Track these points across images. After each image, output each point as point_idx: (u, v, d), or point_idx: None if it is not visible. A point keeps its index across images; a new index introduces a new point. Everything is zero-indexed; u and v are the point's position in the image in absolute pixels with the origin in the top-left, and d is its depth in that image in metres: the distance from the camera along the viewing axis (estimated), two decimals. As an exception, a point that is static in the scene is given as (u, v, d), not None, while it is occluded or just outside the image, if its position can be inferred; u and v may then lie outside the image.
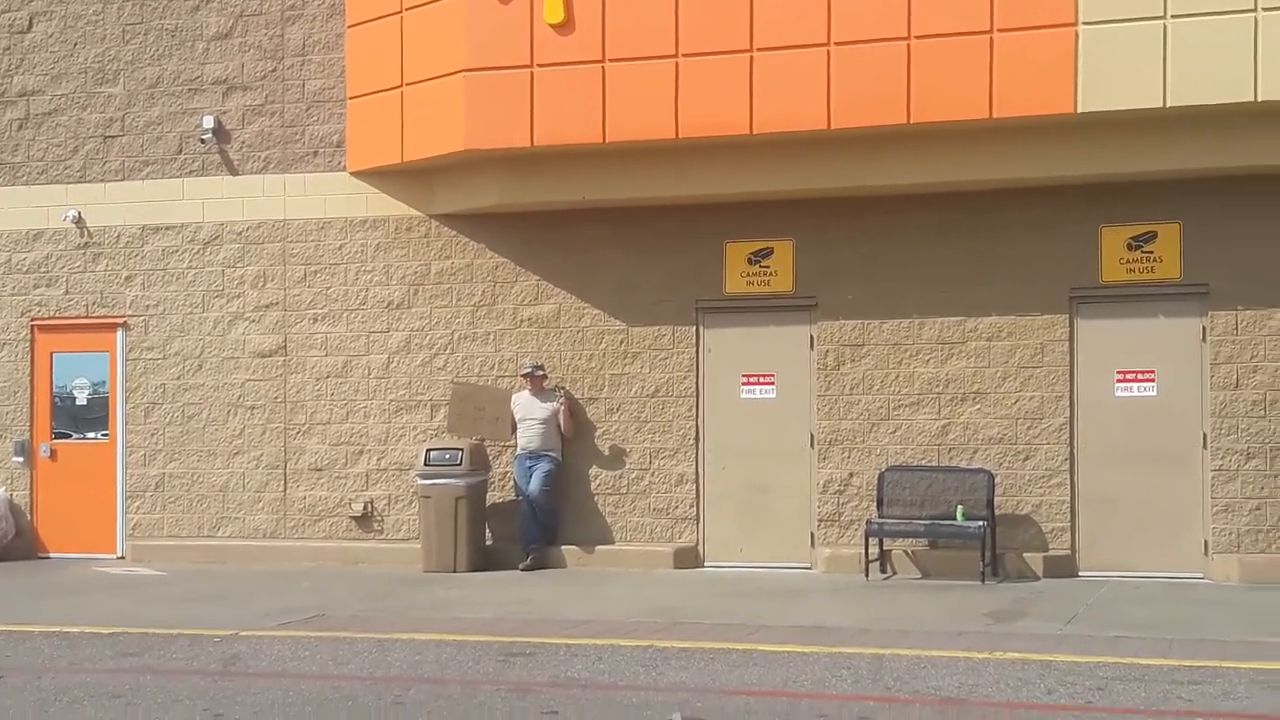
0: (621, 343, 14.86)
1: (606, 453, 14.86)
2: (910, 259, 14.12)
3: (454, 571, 14.43)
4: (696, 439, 14.64)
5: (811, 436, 14.39)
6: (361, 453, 15.51)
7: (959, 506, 13.59)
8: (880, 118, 13.04)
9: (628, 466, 14.78)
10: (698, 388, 14.65)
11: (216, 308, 15.92)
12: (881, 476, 13.96)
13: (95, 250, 16.28)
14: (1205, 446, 13.39)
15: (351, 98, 15.19)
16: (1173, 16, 12.38)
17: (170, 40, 16.08)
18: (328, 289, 15.66)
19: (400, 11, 14.61)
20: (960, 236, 13.97)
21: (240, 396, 15.82)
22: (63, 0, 16.41)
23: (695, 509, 14.64)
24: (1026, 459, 13.78)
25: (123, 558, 16.11)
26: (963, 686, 8.79)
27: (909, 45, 12.96)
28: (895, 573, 13.90)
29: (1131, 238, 13.54)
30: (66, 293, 16.38)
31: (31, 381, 16.50)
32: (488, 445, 15.03)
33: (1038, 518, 13.75)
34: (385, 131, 14.84)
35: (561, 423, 14.68)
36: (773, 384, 14.53)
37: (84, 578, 14.86)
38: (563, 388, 14.90)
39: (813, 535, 14.35)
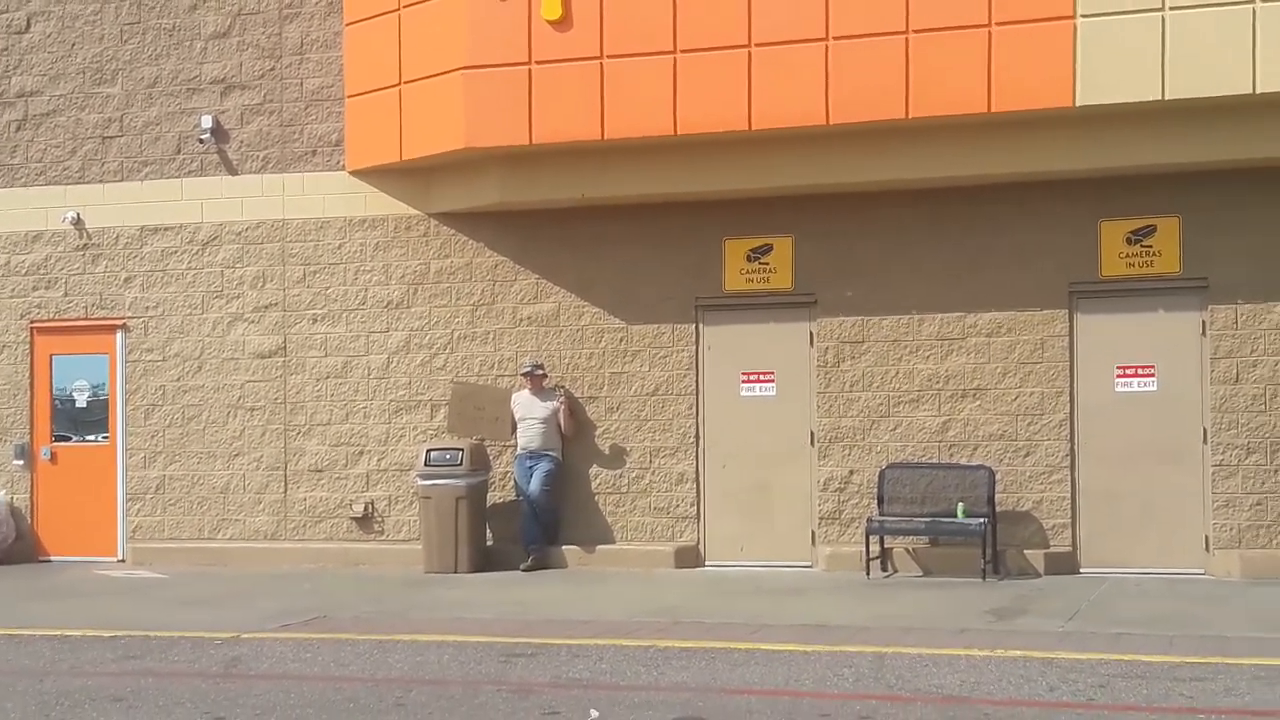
0: (621, 341, 14.85)
1: (607, 452, 14.85)
2: (910, 255, 14.11)
3: (455, 572, 14.43)
4: (697, 437, 14.64)
5: (812, 434, 14.38)
6: (362, 453, 15.51)
7: (960, 504, 13.58)
8: (879, 113, 13.04)
9: (628, 465, 14.78)
10: (698, 386, 14.65)
11: (216, 308, 15.93)
12: (882, 474, 13.95)
13: (94, 251, 16.29)
14: (1206, 442, 13.39)
15: (350, 96, 15.19)
16: (1171, 8, 12.39)
17: (168, 40, 16.09)
18: (327, 289, 15.65)
19: (398, 9, 14.61)
20: (959, 231, 13.97)
21: (240, 398, 15.82)
22: (60, 0, 16.39)
23: (696, 508, 14.63)
24: (1027, 455, 13.77)
25: (123, 561, 16.11)
26: (965, 684, 8.79)
27: (907, 39, 12.95)
28: (896, 570, 13.89)
29: (1131, 231, 13.55)
30: (66, 294, 16.39)
31: (31, 384, 16.50)
32: (488, 445, 15.02)
33: (1038, 514, 13.74)
34: (384, 130, 14.83)
35: (562, 422, 14.66)
36: (773, 381, 14.52)
37: (85, 581, 14.87)
38: (562, 387, 14.89)
39: (813, 533, 14.35)
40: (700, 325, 14.67)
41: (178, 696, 8.98)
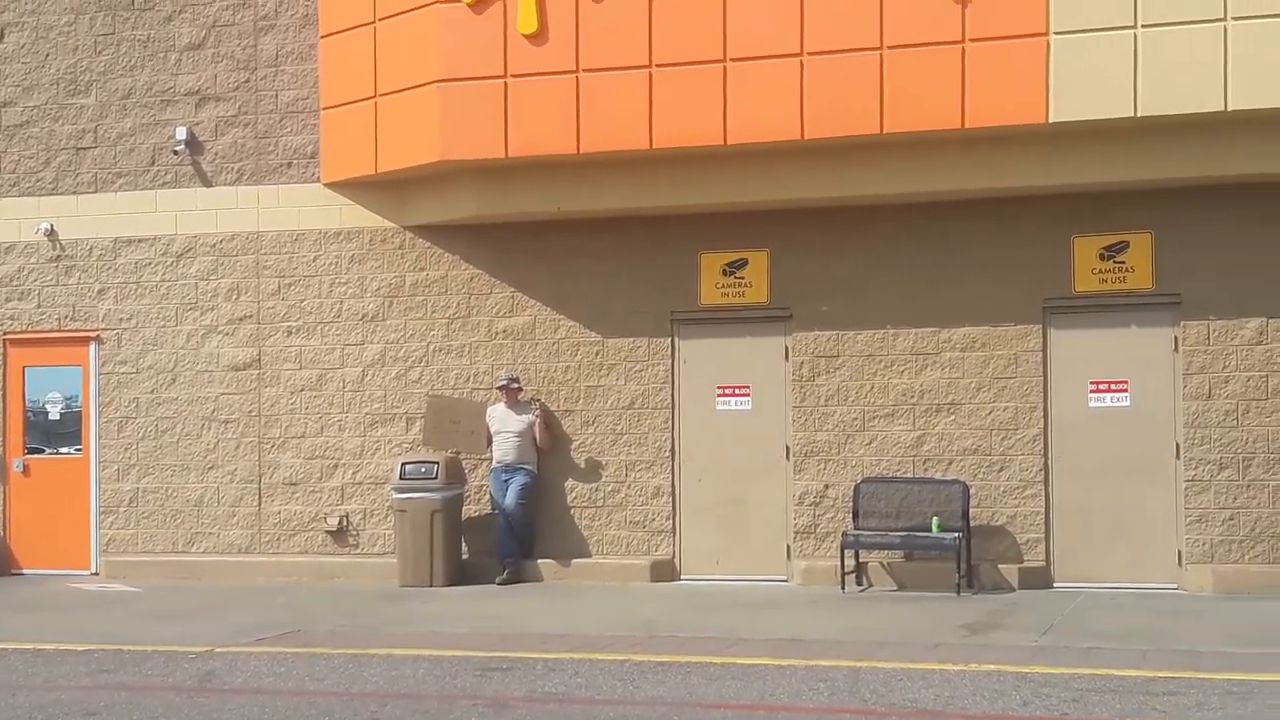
0: (597, 354, 14.88)
1: (582, 465, 14.88)
2: (885, 269, 14.17)
3: (430, 586, 14.42)
4: (672, 451, 14.67)
5: (787, 448, 14.42)
6: (336, 466, 15.49)
7: (934, 518, 13.64)
8: (853, 128, 13.09)
9: (604, 479, 14.80)
10: (673, 399, 14.68)
11: (190, 321, 15.90)
12: (857, 488, 14.00)
13: (67, 263, 16.25)
14: (1178, 457, 13.47)
15: (325, 108, 15.19)
16: (1143, 26, 12.47)
17: (142, 51, 16.07)
18: (302, 301, 15.64)
19: (373, 22, 14.62)
20: (934, 246, 14.03)
21: (214, 410, 15.80)
22: (34, 11, 16.38)
23: (671, 522, 14.66)
24: (1001, 470, 13.84)
25: (96, 574, 16.06)
26: (939, 698, 8.84)
27: (882, 55, 13.00)
28: (871, 585, 13.93)
29: (1104, 248, 13.65)
30: (39, 306, 16.34)
31: (3, 396, 16.44)
32: (463, 458, 15.02)
33: (1012, 529, 13.79)
34: (359, 142, 14.82)
35: (537, 435, 14.68)
36: (748, 396, 14.56)
37: (58, 594, 14.82)
38: (538, 400, 14.90)
39: (789, 547, 14.37)
40: (676, 339, 14.70)
41: (151, 711, 8.96)
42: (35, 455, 16.44)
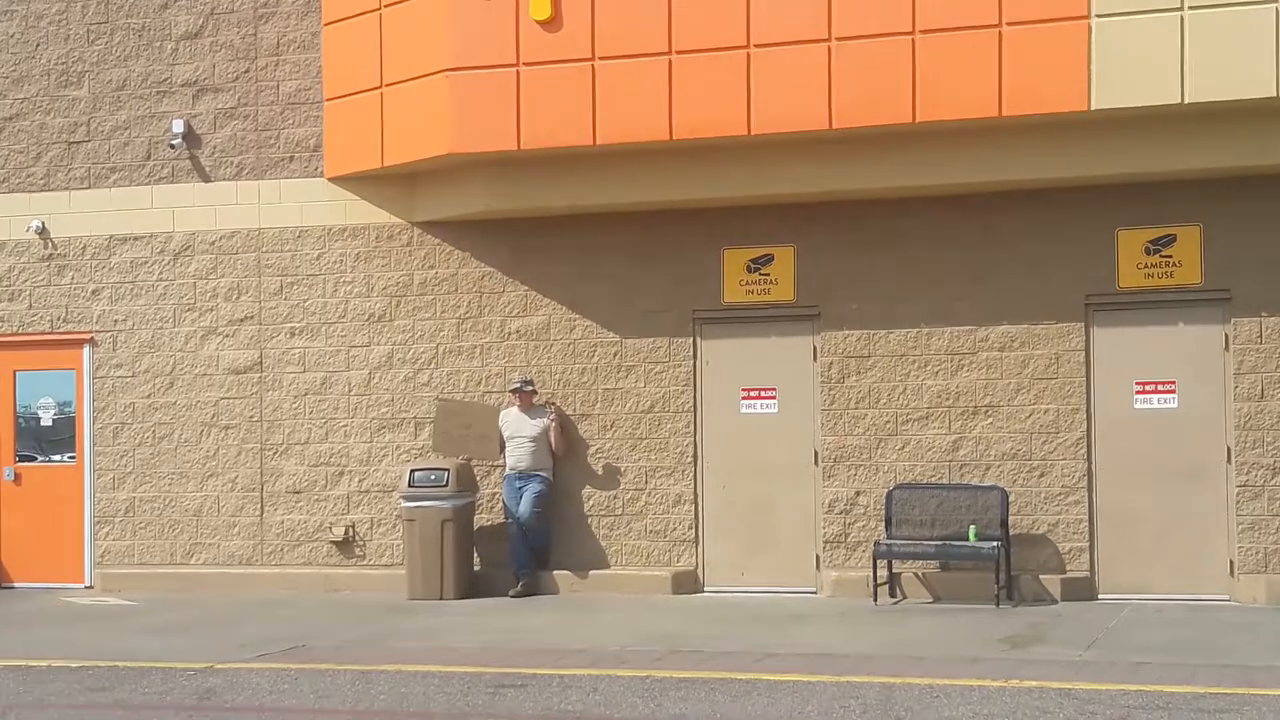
0: (615, 356, 14.88)
1: (600, 472, 14.87)
2: (918, 265, 14.14)
3: (440, 599, 14.43)
4: (694, 457, 14.66)
5: (816, 453, 14.42)
6: (342, 474, 15.52)
7: (972, 526, 13.62)
8: (885, 117, 13.05)
9: (622, 486, 14.81)
10: (695, 402, 14.67)
11: (188, 322, 15.92)
12: (890, 495, 13.97)
13: (60, 262, 16.28)
14: (1229, 461, 13.39)
15: (329, 99, 15.19)
16: (1190, 8, 12.39)
17: (137, 40, 16.08)
18: (305, 301, 15.66)
19: (379, 8, 14.60)
20: (970, 241, 14.00)
21: (214, 415, 15.81)
22: (24, -1, 16.45)
23: (694, 531, 14.65)
24: (1042, 475, 13.80)
25: (91, 587, 16.08)
26: (977, 716, 8.79)
27: (914, 40, 12.96)
28: (905, 596, 13.91)
29: (1149, 241, 13.58)
30: (30, 307, 16.38)
31: (-7, 401, 16.53)
32: (475, 465, 15.02)
33: (1054, 537, 13.75)
34: (364, 135, 14.83)
35: (552, 440, 14.69)
36: (774, 398, 14.55)
37: (51, 608, 14.83)
38: (553, 403, 14.91)
39: (818, 557, 14.37)
40: (698, 339, 14.69)
41: (149, 731, 8.98)
42: (27, 463, 16.45)
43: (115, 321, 16.12)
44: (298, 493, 15.62)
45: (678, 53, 13.46)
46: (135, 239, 16.06)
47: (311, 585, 15.33)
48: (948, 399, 14.08)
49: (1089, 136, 12.97)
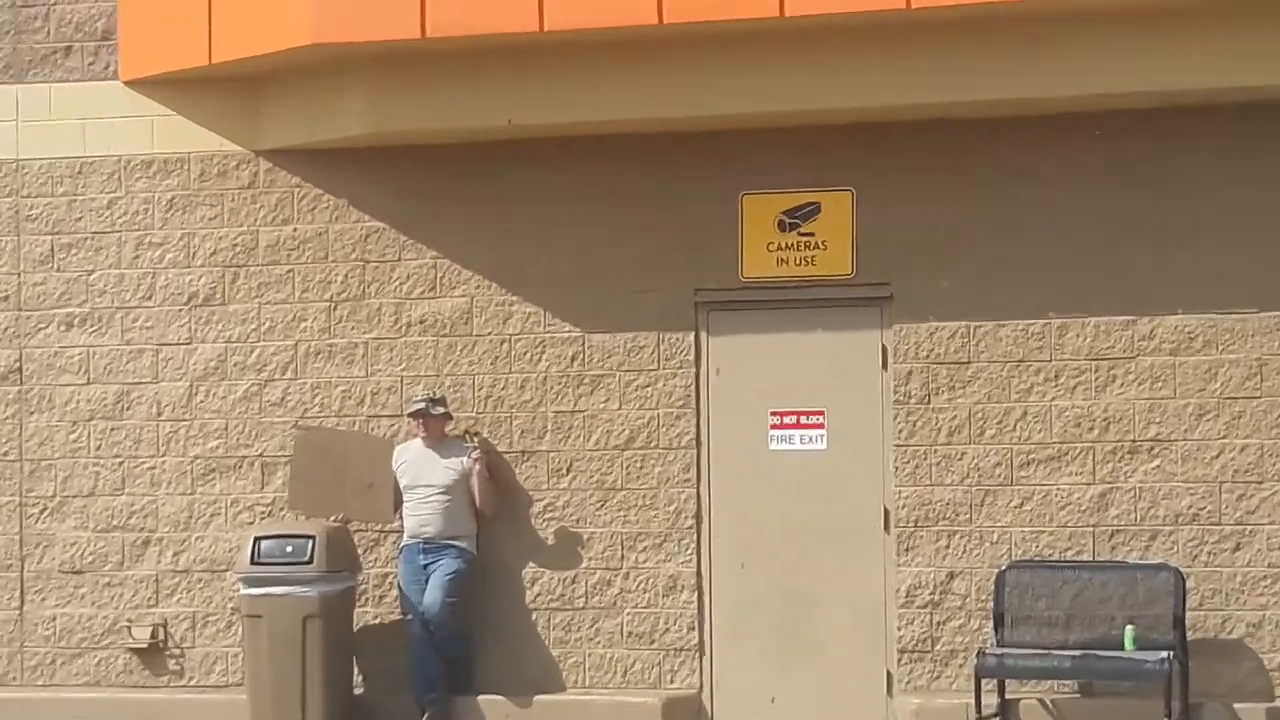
0: (575, 360, 14.64)
1: (551, 541, 14.60)
2: (1045, 223, 13.96)
3: (302, 738, 14.22)
4: (698, 517, 14.43)
5: (886, 513, 14.15)
6: (148, 543, 15.20)
7: (1128, 627, 13.31)
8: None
9: (586, 564, 14.56)
10: (699, 433, 14.46)
11: (-102, 305, 15.66)
12: (1001, 578, 13.68)
13: None
14: None
15: (127, -41, 15.07)
16: None
17: None
18: (89, 274, 15.37)
19: None
20: (1134, 183, 13.85)
21: (-61, 451, 15.57)
22: None
23: (697, 633, 14.40)
24: (1238, 548, 13.60)
25: None
26: None
27: None
28: (1026, 734, 13.74)
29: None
30: None
31: None
32: (356, 530, 14.72)
33: (1256, 643, 13.55)
34: (183, 16, 14.71)
35: (476, 493, 14.38)
36: (822, 427, 14.32)
37: None
38: (476, 434, 14.63)
39: (889, 675, 14.10)
40: (703, 335, 14.50)
41: None
42: None
43: None
44: (78, 573, 15.33)
45: (670, -112, 13.39)
46: None
47: (102, 716, 14.99)
48: (1091, 429, 13.84)
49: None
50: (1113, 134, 13.85)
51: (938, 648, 14.00)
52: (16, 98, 15.45)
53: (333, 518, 14.57)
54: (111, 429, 15.32)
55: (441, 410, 14.46)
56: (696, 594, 14.44)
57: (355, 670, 14.72)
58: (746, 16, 13.25)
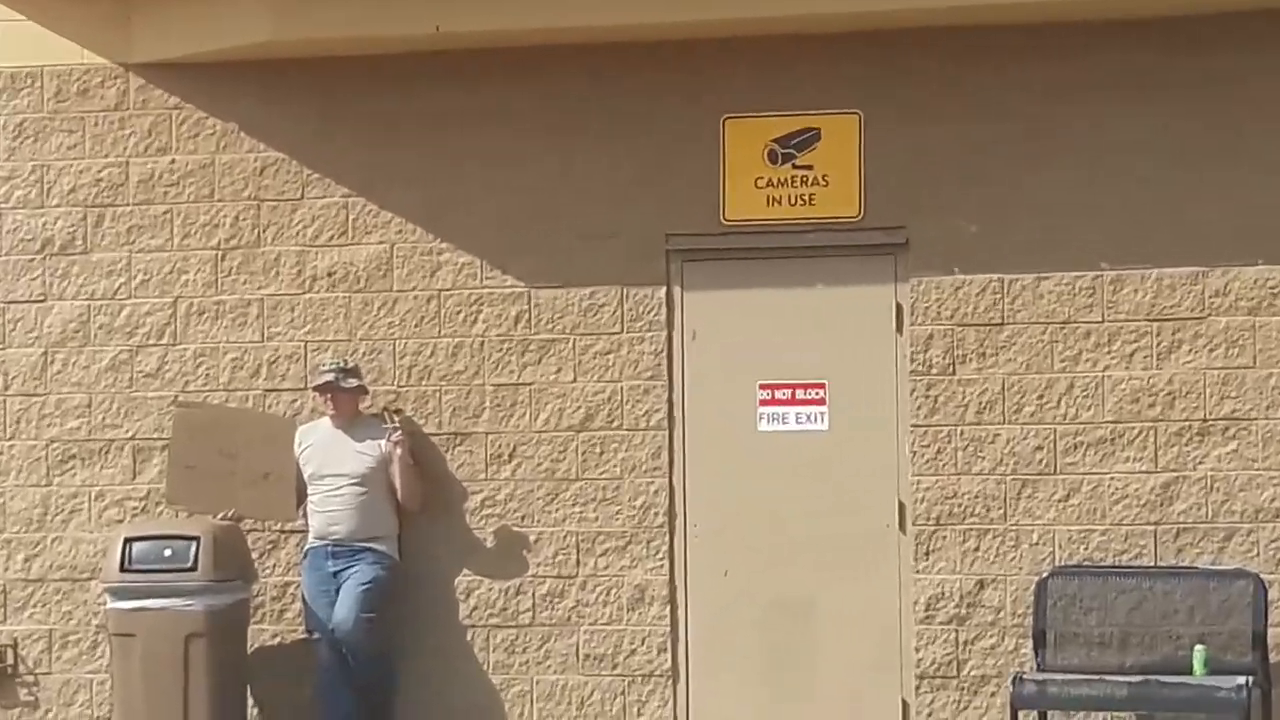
0: (519, 321, 14.07)
1: (490, 543, 13.97)
2: (1094, 152, 13.44)
3: (182, 790, 13.66)
4: (670, 514, 13.80)
5: (901, 508, 13.57)
6: None
7: (1199, 647, 12.60)
8: None
9: (534, 571, 13.97)
10: (671, 410, 13.90)
11: None
12: (1042, 587, 13.07)
13: None
14: None
15: None
16: None
17: None
18: (-84, 217, 15.00)
19: None
20: (1195, 100, 13.32)
21: None
22: None
23: (670, 656, 13.78)
24: (1333, 550, 13.22)
25: None
26: None
27: None
28: (1074, 777, 13.33)
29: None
30: None
31: None
32: (250, 530, 14.01)
33: (1361, 669, 13.03)
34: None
35: (397, 483, 13.64)
36: (822, 403, 13.73)
37: None
38: (398, 411, 14.00)
39: (905, 705, 13.55)
40: (676, 290, 13.97)
41: None
42: None
43: None
44: (-94, 582, 14.85)
45: None
46: None
47: (-68, 762, 14.50)
48: (1152, 405, 13.28)
49: None
50: (1176, 38, 13.35)
51: (965, 672, 13.50)
52: None
53: (221, 515, 13.92)
54: (-53, 406, 14.98)
55: (355, 383, 13.85)
56: (669, 607, 13.94)
57: (250, 702, 14.12)
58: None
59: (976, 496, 13.45)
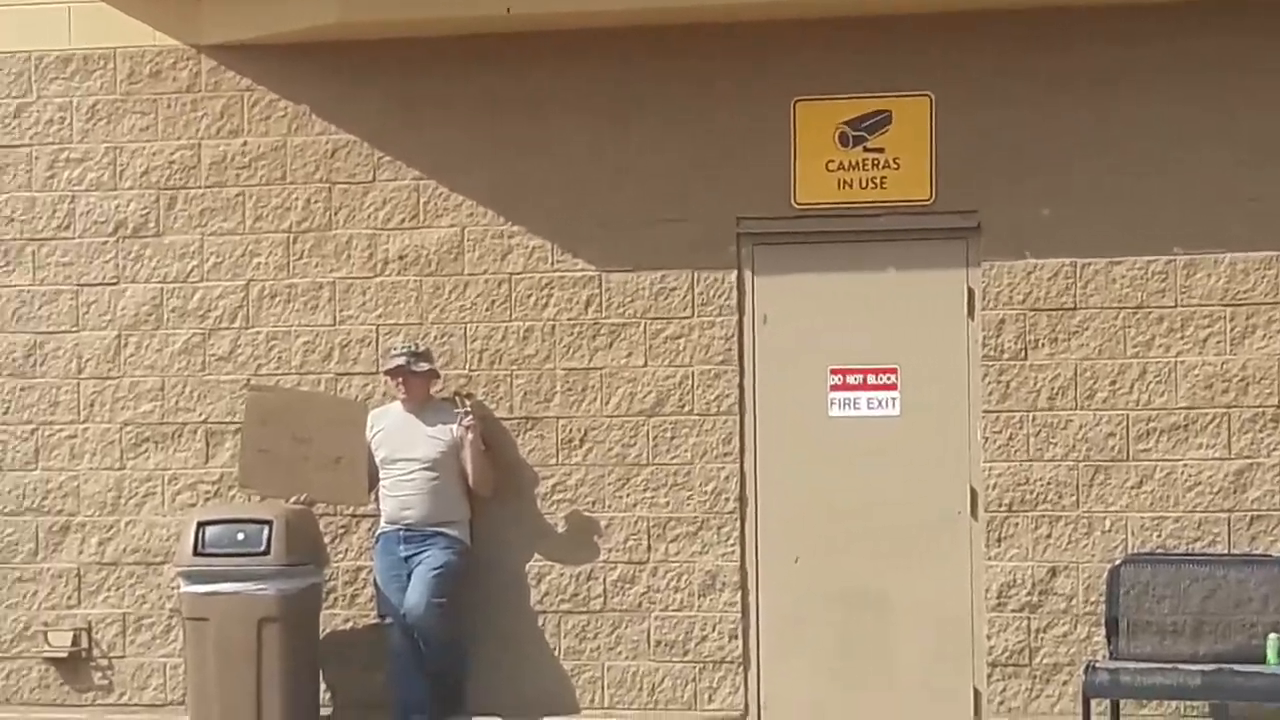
0: (589, 305, 14.27)
1: (561, 528, 14.18)
2: (1169, 134, 13.59)
3: (256, 769, 13.77)
4: (741, 500, 14.04)
5: (973, 494, 13.79)
6: (67, 529, 14.79)
7: (1272, 635, 12.73)
8: None
9: (605, 557, 14.21)
10: (743, 395, 14.11)
11: None
12: (1115, 575, 13.22)
13: None
14: None
15: None
16: None
17: None
18: (-9, 199, 15.01)
19: None
20: (1268, 88, 13.47)
21: None
22: None
23: (741, 643, 14.00)
24: None
25: None
26: None
27: None
28: (1145, 766, 13.27)
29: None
30: None
31: None
32: (323, 514, 14.18)
33: None
34: None
35: (469, 468, 13.79)
36: (893, 388, 13.96)
37: None
38: (469, 395, 14.17)
39: (977, 694, 13.77)
40: (747, 274, 14.15)
41: None
42: None
43: None
44: (-19, 564, 15.03)
45: None
46: None
47: (11, 744, 14.70)
48: (1226, 391, 13.50)
49: None
50: (1255, 24, 13.46)
51: (1037, 660, 13.72)
52: (-106, -22, 15.22)
53: (293, 498, 14.14)
54: (21, 388, 15.06)
55: (426, 366, 14.07)
56: (740, 594, 14.17)
57: (322, 686, 14.38)
58: None
59: (1048, 483, 13.65)
